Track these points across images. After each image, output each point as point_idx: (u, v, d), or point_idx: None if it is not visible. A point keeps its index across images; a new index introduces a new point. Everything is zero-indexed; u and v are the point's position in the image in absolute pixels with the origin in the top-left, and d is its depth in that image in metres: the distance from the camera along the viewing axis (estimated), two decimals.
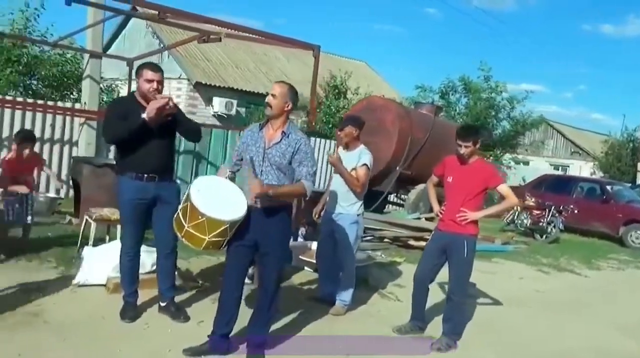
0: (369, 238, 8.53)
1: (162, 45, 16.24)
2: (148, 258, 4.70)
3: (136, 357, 3.58)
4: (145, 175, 3.99)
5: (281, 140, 3.60)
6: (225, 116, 16.81)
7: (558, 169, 28.74)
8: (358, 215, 4.96)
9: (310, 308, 4.88)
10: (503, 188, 4.40)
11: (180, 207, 3.59)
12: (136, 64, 9.48)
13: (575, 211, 11.46)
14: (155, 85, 3.94)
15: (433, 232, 4.75)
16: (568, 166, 29.86)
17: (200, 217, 3.40)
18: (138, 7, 7.97)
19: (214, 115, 16.96)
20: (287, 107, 3.63)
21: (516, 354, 4.56)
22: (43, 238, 5.97)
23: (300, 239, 7.01)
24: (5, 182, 5.30)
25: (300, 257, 6.09)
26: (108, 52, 18.34)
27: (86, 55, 9.14)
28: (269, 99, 3.62)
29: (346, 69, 17.49)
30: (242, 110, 17.43)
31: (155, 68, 4.04)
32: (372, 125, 9.85)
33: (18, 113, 8.64)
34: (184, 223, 3.50)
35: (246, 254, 3.68)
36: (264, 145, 3.62)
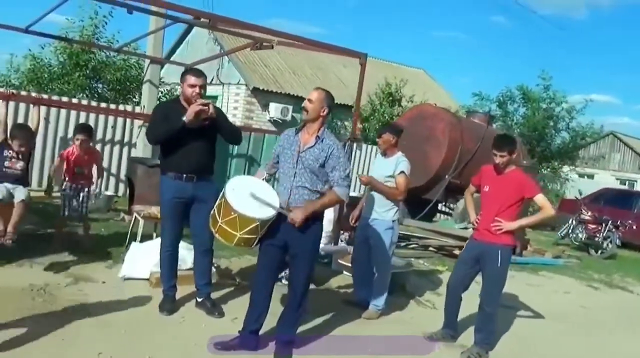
0: (413, 246, 8.53)
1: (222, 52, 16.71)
2: (188, 255, 4.91)
3: (170, 348, 3.75)
4: (184, 175, 4.19)
5: (315, 144, 3.70)
6: (281, 121, 17.10)
7: (624, 184, 27.51)
8: (393, 221, 5.01)
9: (344, 312, 4.95)
10: (539, 198, 4.34)
11: (216, 204, 3.76)
12: (172, 74, 9.89)
13: (634, 227, 10.99)
14: (197, 89, 4.13)
15: (468, 241, 4.73)
16: (635, 181, 28.53)
17: (232, 214, 3.56)
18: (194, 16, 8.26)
19: (270, 121, 17.29)
20: (323, 112, 3.74)
21: None
22: (97, 234, 6.32)
23: (342, 244, 7.09)
24: (69, 174, 5.59)
25: (339, 261, 6.17)
26: (172, 58, 19.12)
27: (147, 61, 9.59)
28: (305, 103, 3.74)
29: (403, 76, 17.45)
30: (298, 116, 17.67)
31: (198, 73, 4.24)
32: (422, 133, 9.88)
33: (83, 114, 9.14)
34: (218, 219, 3.66)
35: (276, 254, 3.80)
36: (299, 148, 3.74)
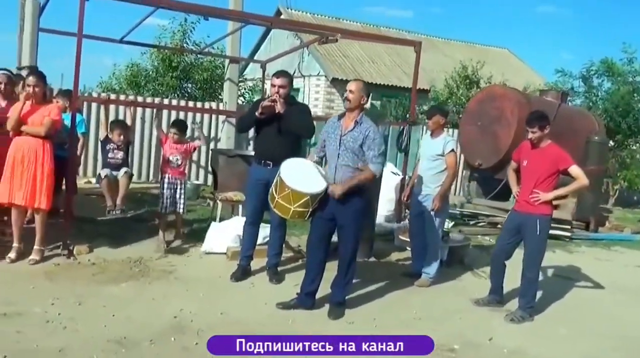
0: (481, 223, 8.78)
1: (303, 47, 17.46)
2: (261, 232, 5.57)
3: (240, 306, 4.43)
4: (263, 161, 4.94)
5: (354, 128, 4.26)
6: None
7: None
8: None
9: (398, 281, 5.42)
10: (574, 169, 4.58)
11: (273, 182, 4.38)
12: (269, 65, 10.59)
13: None
14: (276, 89, 4.82)
15: (509, 213, 5.05)
16: None
17: (286, 189, 4.18)
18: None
19: None
20: (363, 100, 4.33)
21: (587, 333, 4.60)
22: (186, 219, 7.16)
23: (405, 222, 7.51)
24: (165, 166, 6.41)
25: (400, 237, 6.62)
26: (256, 54, 20.13)
27: (227, 60, 10.44)
28: (347, 94, 4.34)
29: (485, 57, 17.32)
30: (377, 103, 18.07)
31: (280, 74, 4.93)
32: (492, 114, 10.03)
33: (173, 113, 10.13)
34: (275, 195, 4.30)
35: (326, 225, 4.37)
36: (341, 132, 4.30)
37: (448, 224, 6.55)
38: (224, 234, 5.77)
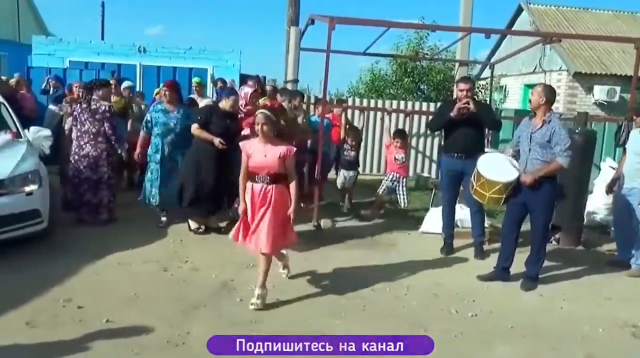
0: None
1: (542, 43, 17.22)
2: (466, 217, 6.43)
3: (448, 275, 5.39)
4: (455, 154, 5.80)
5: (542, 126, 4.92)
6: (606, 103, 16.73)
7: None
8: None
9: (600, 268, 5.80)
10: None
11: (472, 173, 5.27)
12: (499, 67, 11.16)
13: None
14: (464, 93, 5.70)
15: None
16: None
17: (481, 179, 5.06)
18: None
19: (595, 103, 17.05)
20: (542, 101, 4.94)
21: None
22: (411, 207, 8.30)
23: None
24: (391, 164, 7.71)
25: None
26: (498, 50, 20.26)
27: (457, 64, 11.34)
28: (530, 97, 5.02)
29: None
30: (626, 96, 16.91)
31: (465, 81, 5.87)
32: None
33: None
34: (473, 183, 5.20)
35: (518, 210, 5.12)
36: (531, 130, 4.99)
37: None
38: (440, 217, 6.76)
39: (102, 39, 25.20)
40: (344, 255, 5.80)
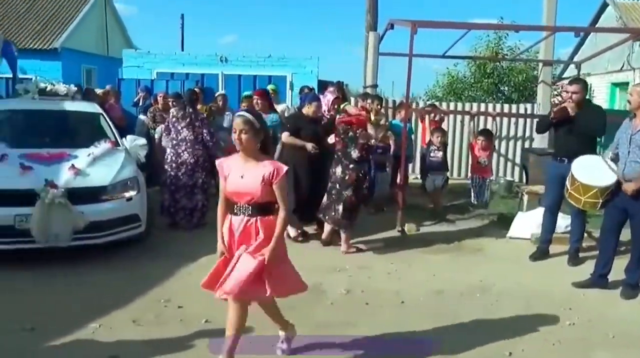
0: None
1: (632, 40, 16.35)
2: (563, 222, 6.22)
3: (536, 280, 5.24)
4: (559, 158, 5.67)
5: None
6: None
7: None
8: None
9: None
10: None
11: (568, 176, 5.11)
12: (583, 66, 10.72)
13: None
14: (569, 95, 5.48)
15: None
16: None
17: (576, 183, 4.89)
18: None
19: None
20: None
21: None
22: (497, 207, 8.13)
23: None
24: (474, 166, 7.61)
25: None
26: (582, 47, 19.43)
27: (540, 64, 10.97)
28: (628, 97, 4.82)
29: None
30: None
31: (574, 82, 5.60)
32: None
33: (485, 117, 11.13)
34: (568, 187, 5.05)
35: (617, 214, 4.89)
36: (631, 131, 4.77)
37: None
38: (529, 222, 6.58)
39: (182, 49, 26.19)
40: (430, 260, 5.77)
